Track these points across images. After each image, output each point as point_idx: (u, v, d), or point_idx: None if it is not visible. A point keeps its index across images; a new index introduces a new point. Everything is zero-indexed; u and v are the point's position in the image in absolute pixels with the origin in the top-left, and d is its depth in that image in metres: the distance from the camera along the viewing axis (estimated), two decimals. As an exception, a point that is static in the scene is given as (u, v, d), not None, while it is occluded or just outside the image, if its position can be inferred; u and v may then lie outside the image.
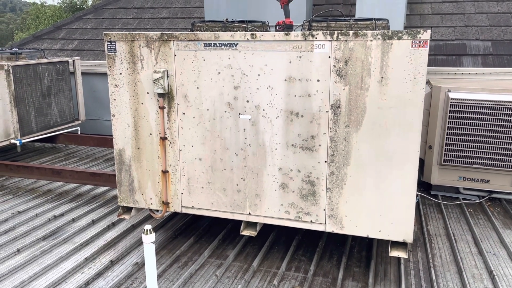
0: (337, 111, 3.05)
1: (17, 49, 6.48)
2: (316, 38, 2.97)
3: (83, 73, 7.45)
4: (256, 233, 3.47)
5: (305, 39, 3.00)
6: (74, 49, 8.35)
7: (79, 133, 7.25)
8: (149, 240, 2.45)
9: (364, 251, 3.78)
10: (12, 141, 5.98)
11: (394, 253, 3.14)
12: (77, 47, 8.39)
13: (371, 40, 2.86)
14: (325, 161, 3.16)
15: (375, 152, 3.03)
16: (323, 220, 3.27)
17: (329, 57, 2.98)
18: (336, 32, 2.92)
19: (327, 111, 3.08)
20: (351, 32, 2.89)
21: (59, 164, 6.29)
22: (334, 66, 2.98)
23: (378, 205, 3.10)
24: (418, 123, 2.89)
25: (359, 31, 2.86)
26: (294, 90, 3.12)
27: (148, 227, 2.43)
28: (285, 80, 3.12)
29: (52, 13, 19.61)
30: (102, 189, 5.25)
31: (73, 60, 7.06)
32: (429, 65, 6.26)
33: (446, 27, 6.78)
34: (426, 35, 2.75)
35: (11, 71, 5.85)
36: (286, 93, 3.15)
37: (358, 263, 3.58)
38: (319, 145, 3.15)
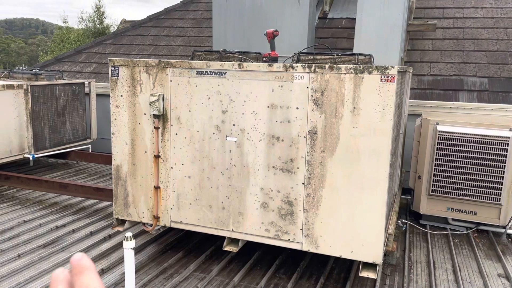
0: (313, 137, 3.29)
1: (37, 70, 6.97)
2: (295, 70, 3.25)
3: (97, 95, 7.89)
4: (237, 249, 3.67)
5: (286, 70, 3.28)
6: (92, 72, 8.85)
7: (90, 150, 7.63)
8: (129, 246, 2.69)
9: (343, 273, 3.92)
10: (26, 155, 6.37)
11: (364, 273, 3.29)
12: (95, 70, 8.89)
13: (345, 74, 3.12)
14: (303, 183, 3.38)
15: (347, 176, 3.24)
16: (300, 239, 3.46)
17: (307, 87, 3.25)
18: (313, 65, 3.20)
19: (305, 137, 3.32)
20: (327, 66, 3.16)
21: (68, 179, 6.63)
22: (312, 95, 3.25)
23: (350, 226, 3.29)
24: (387, 151, 3.11)
25: (334, 65, 3.13)
26: (276, 116, 3.39)
27: (128, 234, 2.68)
28: (268, 106, 3.40)
29: (75, 38, 20.68)
30: (105, 203, 5.54)
31: (89, 82, 7.52)
32: (426, 98, 6.47)
33: (444, 63, 7.01)
34: (393, 70, 3.00)
35: (29, 90, 6.30)
36: (268, 118, 3.41)
37: (335, 283, 3.73)
38: (297, 168, 3.38)
